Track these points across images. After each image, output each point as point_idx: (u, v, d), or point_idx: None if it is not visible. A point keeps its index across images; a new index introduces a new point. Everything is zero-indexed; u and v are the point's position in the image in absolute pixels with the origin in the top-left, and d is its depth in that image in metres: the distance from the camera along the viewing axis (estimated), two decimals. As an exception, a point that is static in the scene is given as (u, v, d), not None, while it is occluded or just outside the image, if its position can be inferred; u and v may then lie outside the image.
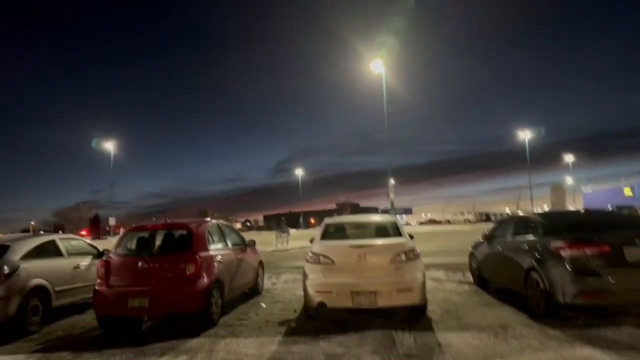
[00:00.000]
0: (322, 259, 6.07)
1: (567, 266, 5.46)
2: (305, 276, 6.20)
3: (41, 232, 7.20)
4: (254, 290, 8.65)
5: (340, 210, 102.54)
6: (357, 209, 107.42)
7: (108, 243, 17.97)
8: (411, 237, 6.72)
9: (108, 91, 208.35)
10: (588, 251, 5.42)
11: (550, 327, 5.43)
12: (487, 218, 67.29)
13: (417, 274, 5.95)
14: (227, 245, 7.52)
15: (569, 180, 70.91)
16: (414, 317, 6.20)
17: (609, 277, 5.27)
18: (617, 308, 6.05)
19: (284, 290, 9.32)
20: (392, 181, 28.45)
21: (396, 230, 6.84)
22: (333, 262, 6.01)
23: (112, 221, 52.53)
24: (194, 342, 5.52)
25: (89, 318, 7.15)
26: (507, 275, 7.16)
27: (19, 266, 6.27)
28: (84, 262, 7.72)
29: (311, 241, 7.27)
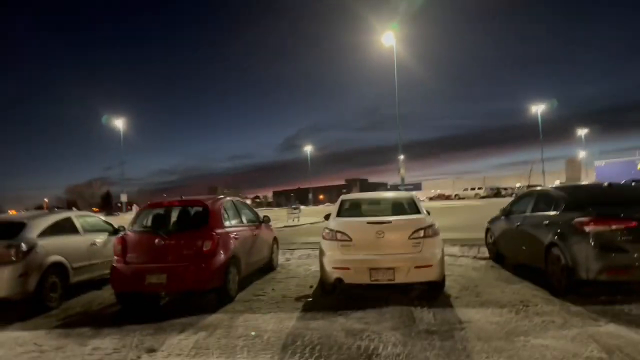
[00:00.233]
0: (339, 235, 6.00)
1: (592, 242, 5.32)
2: (322, 252, 6.15)
3: (55, 209, 7.24)
4: (269, 266, 8.66)
5: (350, 186, 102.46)
6: (366, 185, 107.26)
7: (120, 219, 18.14)
8: (428, 213, 6.61)
9: (119, 68, 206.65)
10: (614, 226, 5.27)
11: (572, 303, 5.34)
12: (497, 193, 66.69)
13: (436, 251, 5.87)
14: (242, 221, 7.48)
15: (581, 153, 69.94)
16: (431, 293, 6.15)
17: (636, 253, 5.13)
18: (638, 285, 5.93)
19: (299, 265, 9.34)
20: (401, 157, 28.20)
21: (414, 207, 6.73)
22: (350, 238, 5.93)
23: (123, 198, 53.07)
24: (213, 317, 5.54)
25: (106, 294, 7.22)
26: (526, 251, 7.05)
27: (36, 243, 6.30)
28: (100, 238, 7.75)
29: (326, 217, 7.20)
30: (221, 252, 6.13)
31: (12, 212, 30.31)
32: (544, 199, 6.97)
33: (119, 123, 51.18)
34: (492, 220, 8.90)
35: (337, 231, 6.04)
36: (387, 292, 6.24)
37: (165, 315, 5.71)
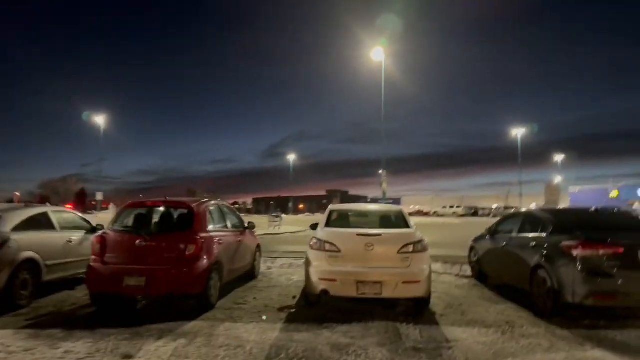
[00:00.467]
0: (327, 246, 5.88)
1: (579, 266, 5.34)
2: (308, 262, 6.02)
3: (23, 204, 6.92)
4: (251, 274, 8.46)
5: (330, 197, 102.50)
6: (346, 197, 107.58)
7: (96, 218, 17.59)
8: None
9: (102, 65, 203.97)
10: (601, 252, 5.30)
11: (558, 326, 5.32)
12: (474, 212, 67.73)
13: (425, 266, 5.81)
14: (227, 226, 7.30)
15: (558, 178, 71.63)
16: (417, 309, 6.07)
17: (622, 280, 5.17)
18: (621, 310, 5.97)
19: (280, 275, 9.16)
20: (384, 171, 28.25)
21: (402, 221, 6.68)
22: (339, 249, 5.83)
23: (99, 196, 51.57)
24: (192, 325, 5.33)
25: (79, 294, 6.93)
26: (511, 272, 7.05)
27: (9, 238, 5.99)
28: (77, 236, 7.45)
29: (312, 227, 7.09)
30: (204, 257, 5.94)
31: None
32: (531, 220, 7.00)
33: (100, 120, 50.05)
34: (477, 239, 8.91)
35: (326, 241, 5.93)
36: (372, 305, 6.13)
37: (142, 320, 5.46)
